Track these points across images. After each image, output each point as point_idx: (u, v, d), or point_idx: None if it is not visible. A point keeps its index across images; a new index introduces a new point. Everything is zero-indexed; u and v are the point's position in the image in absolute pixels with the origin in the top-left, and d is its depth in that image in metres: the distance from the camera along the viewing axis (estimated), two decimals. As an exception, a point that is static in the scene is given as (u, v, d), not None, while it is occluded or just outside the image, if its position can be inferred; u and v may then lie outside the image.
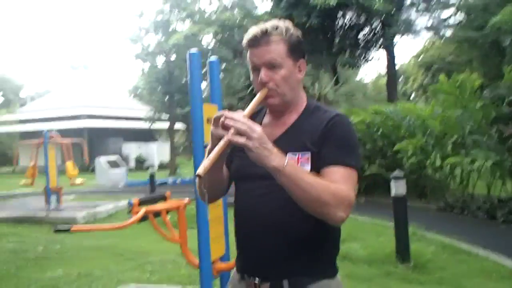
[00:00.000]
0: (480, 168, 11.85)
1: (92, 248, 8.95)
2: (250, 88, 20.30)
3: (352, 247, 7.77)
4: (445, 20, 26.73)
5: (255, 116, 2.17)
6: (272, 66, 1.99)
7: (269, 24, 2.03)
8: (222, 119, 1.74)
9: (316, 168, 1.92)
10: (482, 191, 11.90)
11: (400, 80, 49.66)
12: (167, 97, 33.29)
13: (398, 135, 14.08)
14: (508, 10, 13.79)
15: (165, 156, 37.64)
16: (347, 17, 24.50)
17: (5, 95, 69.49)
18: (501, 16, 14.12)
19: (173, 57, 32.21)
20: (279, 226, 1.96)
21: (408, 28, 24.92)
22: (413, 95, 52.07)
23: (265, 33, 2.00)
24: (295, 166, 1.79)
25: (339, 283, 2.09)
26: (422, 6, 26.33)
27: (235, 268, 2.22)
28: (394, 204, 7.33)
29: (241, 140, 1.69)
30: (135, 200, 4.41)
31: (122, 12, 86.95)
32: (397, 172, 7.53)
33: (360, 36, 24.93)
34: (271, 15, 23.10)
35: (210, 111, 3.80)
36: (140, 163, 38.32)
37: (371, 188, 14.31)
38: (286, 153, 1.85)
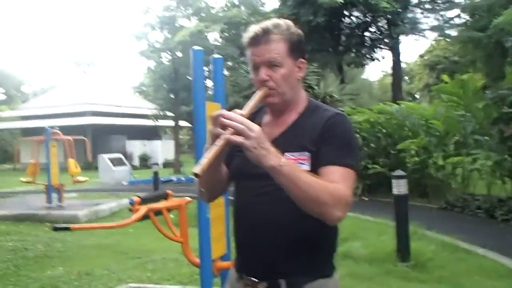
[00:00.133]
0: (481, 168, 11.91)
1: (94, 247, 8.94)
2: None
3: (354, 246, 7.77)
4: (450, 20, 26.74)
5: (255, 115, 2.15)
6: (272, 65, 1.99)
7: (270, 23, 2.02)
8: (220, 118, 1.74)
9: (315, 168, 1.92)
10: (483, 191, 11.91)
11: (405, 79, 49.66)
12: (172, 94, 33.28)
13: (401, 134, 14.09)
14: (511, 11, 13.78)
15: (170, 154, 37.58)
16: (354, 16, 24.49)
17: (7, 91, 69.44)
18: (504, 17, 14.12)
19: (178, 55, 32.11)
20: (277, 226, 1.96)
21: (414, 28, 24.92)
22: (418, 95, 52.09)
23: (265, 32, 1.99)
24: (293, 165, 1.79)
25: (337, 283, 2.09)
26: (428, 6, 26.34)
27: (233, 267, 2.22)
28: (395, 203, 7.34)
29: (238, 139, 1.69)
30: (136, 198, 4.41)
31: (127, 8, 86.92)
32: (398, 171, 7.54)
33: (366, 35, 24.91)
34: (278, 13, 23.11)
35: (213, 109, 3.78)
36: (145, 161, 38.20)
37: (374, 187, 14.32)
38: (285, 152, 1.85)
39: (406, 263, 6.93)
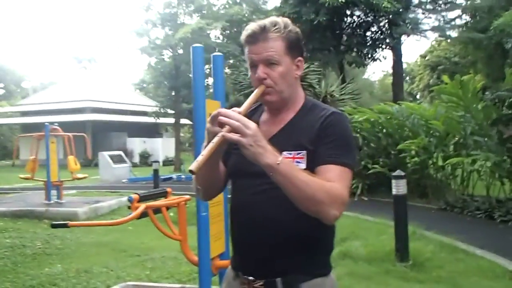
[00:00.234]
0: (480, 169, 11.96)
1: (93, 244, 8.93)
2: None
3: (353, 245, 7.78)
4: (451, 21, 26.76)
5: (253, 113, 2.16)
6: (269, 63, 1.98)
7: (267, 21, 2.02)
8: (217, 116, 1.73)
9: (312, 166, 1.92)
10: (482, 192, 11.92)
11: (406, 79, 49.69)
12: (173, 92, 33.26)
13: (402, 134, 14.08)
14: (511, 13, 13.79)
15: (171, 152, 37.49)
16: (355, 15, 24.48)
17: (6, 87, 69.38)
18: (503, 19, 14.12)
19: (180, 52, 32.10)
20: (273, 224, 1.96)
21: (415, 28, 24.91)
22: (419, 95, 52.12)
23: (263, 30, 1.99)
24: (289, 163, 1.79)
25: (333, 281, 2.09)
26: (429, 6, 26.34)
27: (230, 266, 2.23)
28: (395, 203, 7.35)
29: (234, 137, 1.69)
30: (135, 196, 4.40)
31: (128, 4, 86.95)
32: (398, 172, 7.55)
33: (368, 34, 24.90)
34: (279, 11, 23.10)
35: (213, 107, 3.77)
36: (145, 158, 38.18)
37: (374, 187, 14.31)
38: (282, 151, 1.85)
39: (405, 263, 6.94)
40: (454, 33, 26.90)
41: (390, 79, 35.20)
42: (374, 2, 21.31)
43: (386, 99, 27.68)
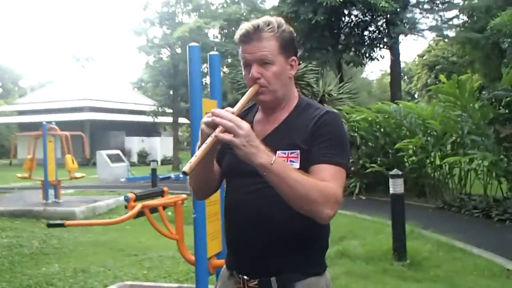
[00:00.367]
0: (478, 168, 12.01)
1: (90, 244, 8.93)
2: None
3: (351, 244, 7.81)
4: (448, 20, 26.76)
5: (247, 113, 2.17)
6: (263, 62, 1.99)
7: (261, 20, 2.02)
8: (210, 116, 1.74)
9: (306, 166, 1.92)
10: (479, 191, 11.94)
11: (404, 79, 49.73)
12: (171, 91, 33.22)
13: (399, 133, 14.09)
14: (508, 13, 13.78)
15: (169, 151, 37.36)
16: (353, 15, 24.45)
17: (4, 85, 69.26)
18: (500, 19, 14.11)
19: (178, 51, 32.03)
20: (267, 223, 1.96)
21: (413, 28, 24.90)
22: (416, 95, 52.15)
23: (257, 29, 1.99)
24: (283, 163, 1.79)
25: (328, 281, 2.09)
26: (426, 6, 26.35)
27: (225, 265, 2.23)
28: (392, 202, 7.35)
29: (227, 137, 1.69)
30: (131, 195, 4.40)
31: (126, 3, 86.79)
32: (395, 171, 7.55)
33: (366, 34, 24.87)
34: (277, 10, 23.07)
35: (209, 106, 3.77)
36: (143, 157, 38.09)
37: (371, 186, 14.33)
38: (276, 150, 1.86)
39: (402, 262, 6.94)
40: (451, 33, 26.89)
41: (388, 79, 35.16)
42: (371, 1, 21.28)
43: (384, 98, 27.63)
